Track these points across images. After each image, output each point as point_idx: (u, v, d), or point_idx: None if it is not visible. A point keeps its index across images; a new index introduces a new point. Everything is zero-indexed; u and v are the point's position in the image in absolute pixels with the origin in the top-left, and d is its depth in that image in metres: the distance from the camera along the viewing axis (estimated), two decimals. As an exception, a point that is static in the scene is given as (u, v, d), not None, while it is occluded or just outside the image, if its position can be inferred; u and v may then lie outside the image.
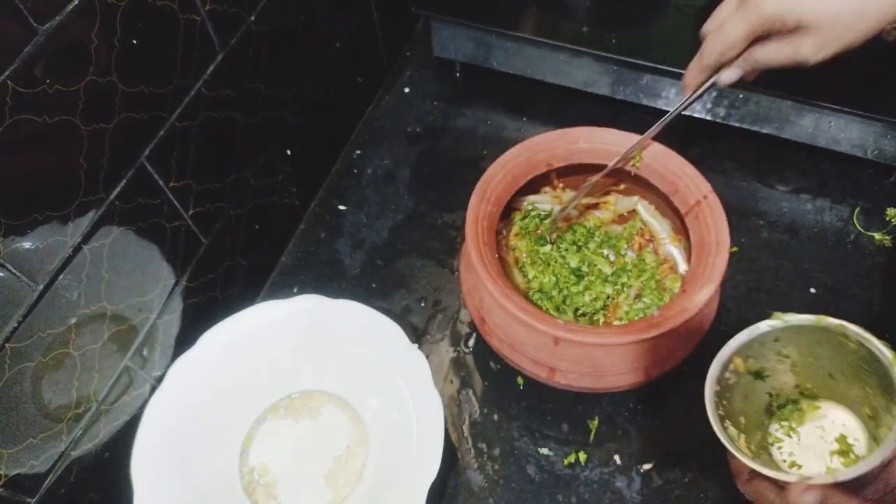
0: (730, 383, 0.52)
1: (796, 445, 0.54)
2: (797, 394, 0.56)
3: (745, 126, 0.84)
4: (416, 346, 0.65)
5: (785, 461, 0.54)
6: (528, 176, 0.69)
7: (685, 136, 0.88)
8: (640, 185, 0.70)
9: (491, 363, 0.73)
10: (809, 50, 0.51)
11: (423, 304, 0.78)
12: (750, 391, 0.55)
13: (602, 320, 0.68)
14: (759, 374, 0.55)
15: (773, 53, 0.53)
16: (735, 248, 0.79)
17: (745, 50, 0.54)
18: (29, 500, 0.55)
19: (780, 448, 0.55)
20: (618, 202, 0.74)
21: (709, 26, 0.56)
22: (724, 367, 0.51)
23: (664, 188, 0.66)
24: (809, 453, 0.53)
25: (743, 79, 0.57)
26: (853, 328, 0.49)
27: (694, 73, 0.59)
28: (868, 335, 0.48)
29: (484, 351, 0.74)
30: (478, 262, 0.60)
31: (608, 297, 0.69)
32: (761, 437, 0.55)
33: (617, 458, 0.67)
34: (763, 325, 0.51)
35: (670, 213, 0.69)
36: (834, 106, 0.76)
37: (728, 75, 0.56)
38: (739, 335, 0.51)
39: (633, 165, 0.67)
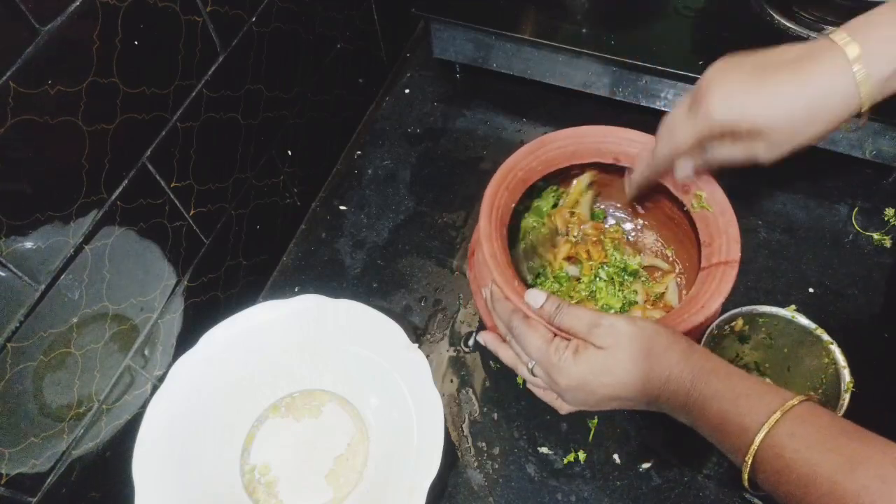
0: (724, 333, 0.65)
1: None
2: (754, 365, 0.68)
3: (743, 126, 0.84)
4: (417, 345, 0.66)
5: None
6: (592, 158, 0.68)
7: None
8: (683, 218, 0.69)
9: (491, 362, 0.73)
10: (764, 152, 0.52)
11: (423, 304, 0.78)
12: (728, 345, 0.67)
13: None
14: (743, 338, 0.66)
15: (729, 153, 0.54)
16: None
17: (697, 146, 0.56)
18: (30, 499, 0.55)
19: None
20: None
21: (662, 127, 0.58)
22: (730, 320, 0.64)
23: (702, 235, 0.64)
24: None
25: (696, 171, 0.60)
26: (836, 349, 0.60)
27: (641, 170, 0.63)
28: (842, 360, 0.60)
29: (483, 350, 0.74)
30: (488, 198, 0.62)
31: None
32: None
33: (616, 457, 0.67)
34: (773, 309, 0.63)
35: (692, 251, 0.68)
36: (832, 106, 0.76)
37: (681, 171, 0.60)
38: (756, 307, 0.64)
39: (692, 205, 0.64)
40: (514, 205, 0.65)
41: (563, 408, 0.58)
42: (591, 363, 0.51)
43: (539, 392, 0.60)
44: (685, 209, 0.66)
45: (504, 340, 0.60)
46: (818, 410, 0.44)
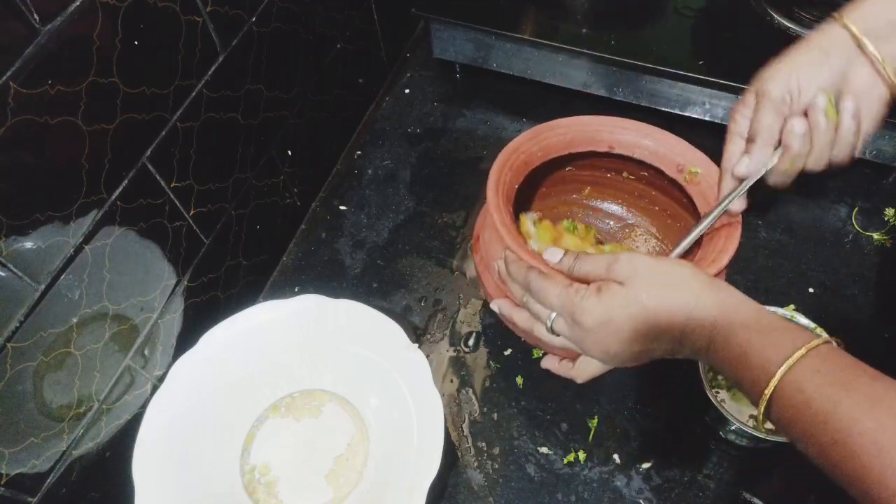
0: None
1: (730, 399, 0.66)
2: None
3: (743, 126, 0.84)
4: (417, 345, 0.66)
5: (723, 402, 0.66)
6: (587, 147, 0.68)
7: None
8: (688, 209, 0.69)
9: (491, 362, 0.73)
10: None
11: (423, 304, 0.78)
12: None
13: None
14: None
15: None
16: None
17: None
18: (30, 499, 0.55)
19: (717, 392, 0.67)
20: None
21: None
22: None
23: (701, 207, 0.63)
24: (736, 404, 0.66)
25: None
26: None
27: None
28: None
29: (484, 350, 0.74)
30: (495, 174, 0.61)
31: None
32: (711, 378, 0.67)
33: (616, 456, 0.67)
34: (772, 308, 0.65)
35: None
36: (832, 106, 0.76)
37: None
38: None
39: (685, 178, 0.65)
40: (517, 185, 0.65)
41: (581, 375, 0.57)
42: (614, 298, 0.50)
43: (554, 365, 0.59)
44: (683, 202, 0.66)
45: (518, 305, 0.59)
46: (840, 351, 0.44)
